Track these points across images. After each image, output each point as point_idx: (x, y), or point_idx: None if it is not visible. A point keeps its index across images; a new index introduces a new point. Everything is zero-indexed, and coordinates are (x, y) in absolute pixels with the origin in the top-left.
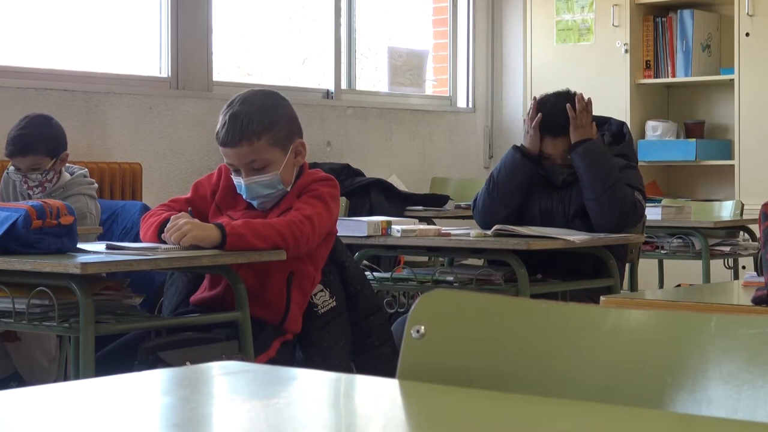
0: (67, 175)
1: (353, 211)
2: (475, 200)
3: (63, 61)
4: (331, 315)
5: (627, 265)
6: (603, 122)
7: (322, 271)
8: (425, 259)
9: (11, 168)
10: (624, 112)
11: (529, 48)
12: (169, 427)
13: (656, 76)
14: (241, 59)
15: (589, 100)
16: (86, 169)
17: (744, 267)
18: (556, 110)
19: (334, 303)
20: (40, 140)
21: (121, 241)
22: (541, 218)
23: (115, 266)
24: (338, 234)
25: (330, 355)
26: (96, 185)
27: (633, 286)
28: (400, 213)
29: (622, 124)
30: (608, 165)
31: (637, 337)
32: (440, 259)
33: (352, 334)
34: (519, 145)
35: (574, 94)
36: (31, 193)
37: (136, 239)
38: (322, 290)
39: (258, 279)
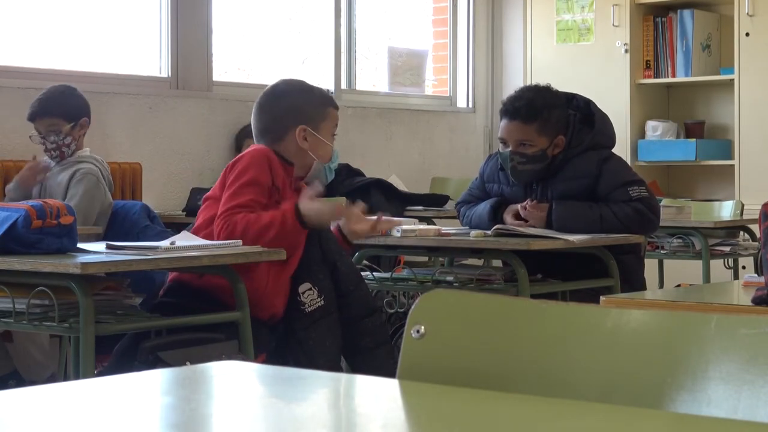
0: (87, 150)
1: None
2: (458, 207)
3: (63, 61)
4: (319, 314)
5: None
6: (570, 98)
7: (312, 270)
8: (425, 259)
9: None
10: (624, 112)
11: (529, 48)
12: (169, 427)
13: (656, 76)
14: (241, 59)
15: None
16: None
17: (744, 267)
18: (518, 94)
19: (322, 302)
20: (57, 104)
21: (121, 241)
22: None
23: (115, 266)
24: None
25: (315, 354)
26: (111, 179)
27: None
28: (400, 213)
29: (588, 102)
30: (582, 215)
31: (637, 337)
32: (440, 259)
33: (345, 335)
34: (494, 207)
35: (546, 87)
36: (49, 155)
37: (137, 239)
38: (310, 289)
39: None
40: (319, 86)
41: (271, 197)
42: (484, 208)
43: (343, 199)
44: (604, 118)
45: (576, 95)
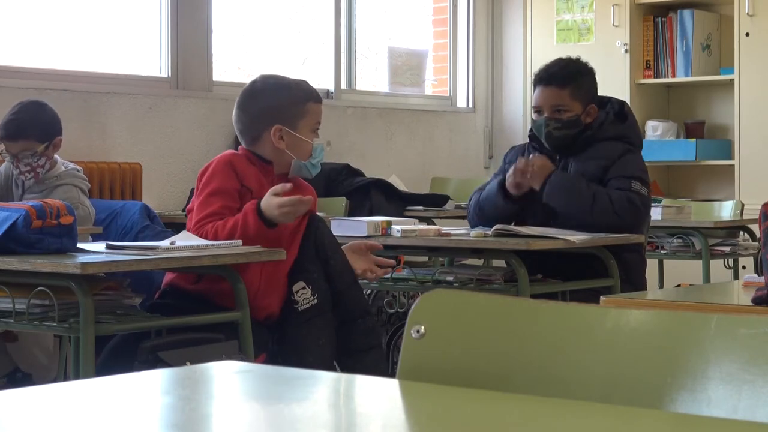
0: (61, 167)
1: (353, 211)
2: (469, 203)
3: (63, 61)
4: (312, 313)
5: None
6: (605, 102)
7: (306, 268)
8: (425, 259)
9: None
10: None
11: (529, 48)
12: (169, 427)
13: (656, 76)
14: (241, 59)
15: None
16: (81, 168)
17: (744, 267)
18: (551, 63)
19: (316, 301)
20: (31, 125)
21: (121, 241)
22: (543, 208)
23: (115, 266)
24: (338, 234)
25: (308, 353)
26: (89, 184)
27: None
28: (400, 213)
29: (623, 103)
30: (576, 188)
31: (637, 337)
32: (440, 259)
33: (339, 334)
34: (502, 181)
35: (577, 57)
36: (23, 178)
37: (136, 239)
38: (304, 287)
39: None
40: (300, 80)
41: (243, 200)
42: (492, 185)
43: (342, 199)
44: (635, 120)
45: (611, 98)
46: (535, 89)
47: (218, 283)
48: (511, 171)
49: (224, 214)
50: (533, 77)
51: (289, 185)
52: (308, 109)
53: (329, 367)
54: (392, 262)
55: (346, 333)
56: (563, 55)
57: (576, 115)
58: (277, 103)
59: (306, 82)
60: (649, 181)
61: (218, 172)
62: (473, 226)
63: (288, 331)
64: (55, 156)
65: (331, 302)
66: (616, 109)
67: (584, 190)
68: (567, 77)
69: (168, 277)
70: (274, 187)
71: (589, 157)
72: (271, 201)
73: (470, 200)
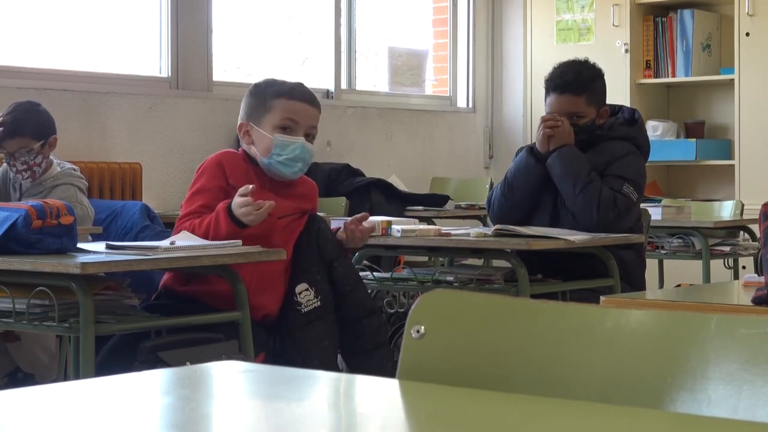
0: (57, 167)
1: (353, 211)
2: (489, 200)
3: (63, 61)
4: (315, 315)
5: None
6: (617, 110)
7: (308, 269)
8: (425, 259)
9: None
10: None
11: (529, 48)
12: (169, 427)
13: (656, 75)
14: (241, 59)
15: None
16: (78, 167)
17: (744, 267)
18: (564, 69)
19: (319, 303)
20: (26, 123)
21: (121, 241)
22: (553, 207)
23: (115, 266)
24: (339, 234)
25: (310, 355)
26: (86, 183)
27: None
28: (400, 213)
29: (634, 110)
30: (578, 167)
31: (637, 337)
32: (440, 259)
33: (344, 335)
34: (531, 145)
35: (586, 60)
36: (20, 177)
37: (136, 239)
38: (307, 289)
39: (261, 278)
40: (293, 83)
41: (229, 198)
42: (520, 156)
43: (342, 199)
44: (643, 126)
45: (623, 106)
46: (548, 95)
47: (208, 284)
48: (540, 126)
49: (202, 213)
50: (545, 83)
51: (251, 186)
52: (276, 104)
53: (333, 370)
54: (371, 222)
55: (353, 333)
56: (571, 58)
57: (591, 120)
58: (249, 101)
59: (299, 83)
60: (643, 185)
61: (205, 170)
62: (496, 215)
63: (291, 333)
64: (51, 157)
65: (335, 304)
66: (627, 116)
67: (584, 173)
68: (582, 84)
69: (164, 279)
70: (241, 189)
71: (597, 152)
72: (235, 201)
73: (489, 196)
